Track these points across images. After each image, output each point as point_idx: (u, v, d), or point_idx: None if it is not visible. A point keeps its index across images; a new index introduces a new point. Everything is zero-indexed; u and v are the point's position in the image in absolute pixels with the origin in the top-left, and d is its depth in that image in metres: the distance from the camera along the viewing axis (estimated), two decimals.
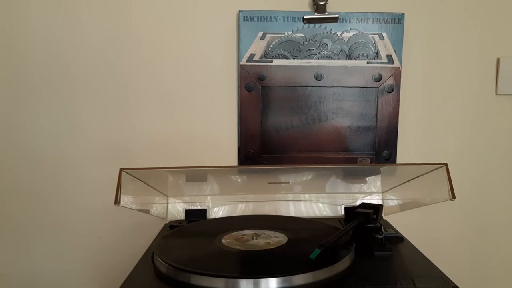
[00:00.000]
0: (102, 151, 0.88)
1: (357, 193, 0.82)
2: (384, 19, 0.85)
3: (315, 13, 0.84)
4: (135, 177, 0.64)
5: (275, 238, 0.64)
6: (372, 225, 0.65)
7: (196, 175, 0.78)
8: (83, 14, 0.85)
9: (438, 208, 0.91)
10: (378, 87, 0.87)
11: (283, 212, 0.82)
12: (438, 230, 0.93)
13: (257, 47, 0.85)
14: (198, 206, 0.80)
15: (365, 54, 0.86)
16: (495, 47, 0.89)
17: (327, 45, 0.85)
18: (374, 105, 0.87)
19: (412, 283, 0.51)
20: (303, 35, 0.85)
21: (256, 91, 0.86)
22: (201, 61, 0.87)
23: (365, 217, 0.65)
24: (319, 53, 0.86)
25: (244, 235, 0.66)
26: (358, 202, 0.79)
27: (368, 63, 0.86)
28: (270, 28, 0.84)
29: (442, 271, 0.55)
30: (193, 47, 0.86)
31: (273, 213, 0.82)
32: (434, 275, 0.54)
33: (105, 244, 0.90)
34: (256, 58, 0.85)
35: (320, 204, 0.83)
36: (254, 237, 0.64)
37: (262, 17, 0.84)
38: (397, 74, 0.86)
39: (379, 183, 0.80)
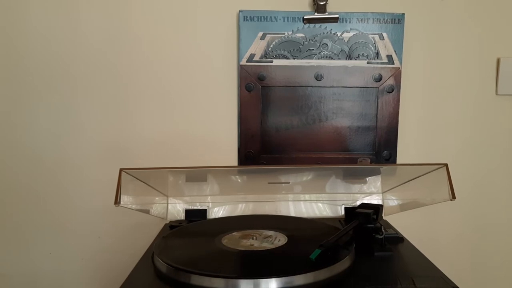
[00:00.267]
0: (102, 151, 0.88)
1: (357, 193, 0.82)
2: (384, 19, 0.85)
3: (315, 13, 0.84)
4: (135, 177, 0.64)
5: (275, 238, 0.64)
6: (372, 225, 0.65)
7: (196, 175, 0.78)
8: (83, 14, 0.85)
9: (438, 208, 0.91)
10: (378, 87, 0.87)
11: (283, 212, 0.82)
12: (438, 230, 0.93)
13: (257, 47, 0.85)
14: (198, 206, 0.80)
15: (365, 54, 0.86)
16: (495, 47, 0.89)
17: (327, 45, 0.85)
18: (374, 105, 0.87)
19: (412, 283, 0.51)
20: (303, 35, 0.85)
21: (256, 91, 0.86)
22: (201, 61, 0.87)
23: (365, 217, 0.65)
24: (319, 53, 0.85)
25: (244, 235, 0.66)
26: (358, 202, 0.79)
27: (368, 63, 0.86)
28: (270, 28, 0.84)
29: (443, 271, 0.55)
30: (193, 47, 0.86)
31: (273, 213, 0.82)
32: (434, 276, 0.54)
33: (105, 244, 0.90)
34: (256, 58, 0.85)
35: (320, 204, 0.83)
36: (254, 237, 0.64)
37: (262, 17, 0.84)
38: (397, 74, 0.86)
39: (379, 183, 0.80)
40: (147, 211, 0.75)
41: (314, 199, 0.83)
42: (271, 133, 0.87)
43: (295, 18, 0.84)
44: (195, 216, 0.79)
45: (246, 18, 0.84)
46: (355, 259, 0.58)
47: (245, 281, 0.49)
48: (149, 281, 0.54)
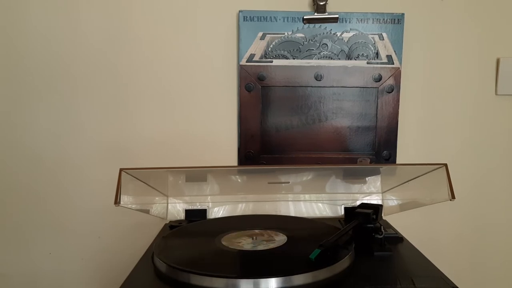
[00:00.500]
0: (102, 151, 0.88)
1: (357, 193, 0.82)
2: (384, 19, 0.85)
3: (315, 13, 0.84)
4: (135, 177, 0.64)
5: (275, 238, 0.64)
6: (372, 225, 0.65)
7: (196, 175, 0.78)
8: (83, 14, 0.85)
9: (438, 208, 0.91)
10: (378, 87, 0.87)
11: (283, 212, 0.82)
12: (438, 230, 0.93)
13: (257, 47, 0.85)
14: (198, 206, 0.80)
15: (365, 54, 0.86)
16: (495, 47, 0.89)
17: (327, 45, 0.85)
18: (374, 105, 0.87)
19: (411, 283, 0.52)
20: (303, 35, 0.85)
21: (256, 91, 0.86)
22: (201, 61, 0.87)
23: (365, 217, 0.65)
24: (319, 53, 0.86)
25: (244, 235, 0.66)
26: (358, 202, 0.79)
27: (368, 63, 0.86)
28: (270, 28, 0.84)
29: (442, 271, 0.55)
30: (193, 47, 0.86)
31: (273, 213, 0.82)
32: (434, 276, 0.54)
33: (105, 244, 0.90)
34: (256, 58, 0.85)
35: (320, 204, 0.83)
36: (254, 237, 0.64)
37: (262, 17, 0.84)
38: (397, 74, 0.86)
39: (379, 183, 0.80)
40: (147, 211, 0.75)
41: (314, 199, 0.83)
42: (271, 133, 0.87)
43: (295, 18, 0.84)
44: (195, 216, 0.79)
45: (246, 18, 0.84)
46: (354, 259, 0.58)
47: (244, 281, 0.50)
48: (149, 281, 0.54)
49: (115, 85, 0.87)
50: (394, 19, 0.85)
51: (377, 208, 0.67)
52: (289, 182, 0.80)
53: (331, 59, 0.86)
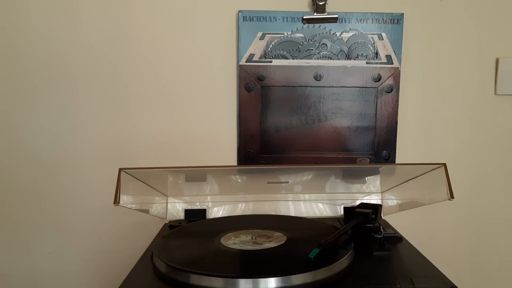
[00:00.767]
0: (102, 151, 0.88)
1: (356, 193, 0.82)
2: (383, 19, 0.85)
3: (315, 13, 0.84)
4: (134, 177, 0.64)
5: (274, 238, 0.64)
6: (371, 225, 0.65)
7: (195, 175, 0.78)
8: (83, 14, 0.85)
9: (437, 208, 0.91)
10: (377, 87, 0.87)
11: (283, 212, 0.82)
12: (437, 230, 0.93)
13: (256, 47, 0.85)
14: (197, 206, 0.80)
15: (364, 54, 0.86)
16: (495, 47, 0.89)
17: (326, 45, 0.85)
18: (373, 105, 0.87)
19: (411, 283, 0.52)
20: (302, 35, 0.85)
21: (256, 91, 0.86)
22: (201, 61, 0.87)
23: (364, 217, 0.65)
24: (318, 53, 0.86)
25: (243, 234, 0.66)
26: (358, 202, 0.79)
27: (367, 63, 0.86)
28: (269, 28, 0.84)
29: (441, 271, 0.55)
30: (193, 47, 0.87)
31: (273, 213, 0.82)
32: (433, 275, 0.54)
33: (105, 244, 0.90)
34: (255, 58, 0.85)
35: (320, 204, 0.83)
36: (253, 237, 0.64)
37: (261, 17, 0.84)
38: (396, 74, 0.87)
39: (378, 183, 0.81)
40: (146, 211, 0.75)
41: (313, 199, 0.83)
42: (271, 133, 0.87)
43: (294, 18, 0.84)
44: (195, 216, 0.79)
45: (246, 18, 0.84)
46: (354, 259, 0.58)
47: (244, 281, 0.50)
48: (148, 280, 0.54)
49: (115, 85, 0.87)
50: (394, 19, 0.85)
51: (377, 208, 0.68)
52: (288, 182, 0.80)
53: (331, 59, 0.86)
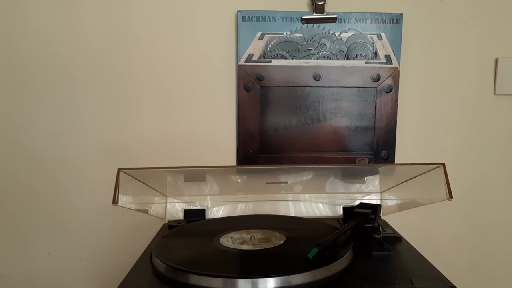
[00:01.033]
0: (102, 151, 0.88)
1: (355, 193, 0.82)
2: (382, 19, 0.85)
3: (314, 13, 0.84)
4: (133, 177, 0.64)
5: (273, 238, 0.64)
6: (370, 225, 0.65)
7: (194, 175, 0.78)
8: (83, 14, 0.85)
9: (436, 208, 0.91)
10: (376, 87, 0.87)
11: (283, 212, 0.82)
12: (436, 230, 0.93)
13: (255, 47, 0.85)
14: (197, 206, 0.80)
15: (363, 54, 0.86)
16: (494, 47, 0.89)
17: (325, 45, 0.85)
18: (373, 105, 0.87)
19: (410, 283, 0.52)
20: (301, 35, 0.85)
21: (255, 91, 0.86)
22: (200, 61, 0.87)
23: (363, 217, 0.65)
24: (317, 53, 0.86)
25: (242, 235, 0.66)
26: (357, 202, 0.79)
27: (366, 63, 0.86)
28: (268, 28, 0.84)
29: (441, 271, 0.55)
30: (192, 47, 0.87)
31: (273, 213, 0.82)
32: (432, 275, 0.54)
33: (105, 244, 0.91)
34: (254, 58, 0.85)
35: (319, 204, 0.83)
36: (252, 237, 0.64)
37: (260, 17, 0.84)
38: (395, 74, 0.87)
39: (377, 183, 0.81)
40: (145, 211, 0.75)
41: (313, 199, 0.83)
42: (270, 133, 0.87)
43: (293, 18, 0.85)
44: (194, 216, 0.79)
45: (245, 18, 0.84)
46: (353, 259, 0.58)
47: (243, 281, 0.50)
48: (147, 281, 0.54)
49: (115, 85, 0.87)
50: (393, 19, 0.85)
51: (376, 208, 0.67)
52: (288, 182, 0.80)
53: (330, 59, 0.86)
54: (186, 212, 0.79)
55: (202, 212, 0.80)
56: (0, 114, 0.87)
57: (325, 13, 0.84)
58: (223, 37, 0.86)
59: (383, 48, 0.86)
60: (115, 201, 0.57)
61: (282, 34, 0.85)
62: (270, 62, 0.85)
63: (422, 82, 0.89)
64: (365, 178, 0.80)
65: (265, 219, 0.77)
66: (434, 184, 0.61)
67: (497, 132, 0.91)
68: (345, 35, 0.85)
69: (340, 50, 0.86)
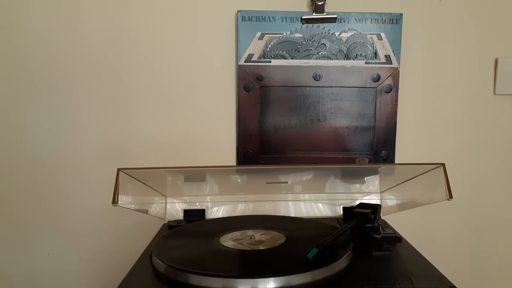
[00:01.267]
0: (102, 151, 0.88)
1: (355, 193, 0.82)
2: (382, 19, 0.85)
3: (314, 13, 0.84)
4: (133, 177, 0.64)
5: (273, 238, 0.64)
6: (370, 225, 0.65)
7: (194, 175, 0.78)
8: (83, 14, 0.85)
9: (436, 208, 0.91)
10: (376, 87, 0.87)
11: (283, 212, 0.82)
12: (436, 230, 0.93)
13: (255, 47, 0.85)
14: (197, 206, 0.80)
15: (363, 54, 0.86)
16: (494, 47, 0.89)
17: (325, 45, 0.85)
18: (373, 105, 0.87)
19: (410, 283, 0.52)
20: (301, 35, 0.85)
21: (255, 91, 0.86)
22: (200, 61, 0.87)
23: (363, 217, 0.65)
24: (317, 53, 0.86)
25: (242, 235, 0.66)
26: (357, 202, 0.79)
27: (366, 63, 0.86)
28: (268, 28, 0.84)
29: (440, 271, 0.55)
30: (192, 47, 0.87)
31: (273, 213, 0.82)
32: (432, 275, 0.54)
33: (105, 244, 0.91)
34: (254, 58, 0.85)
35: (319, 204, 0.83)
36: (252, 237, 0.64)
37: (260, 17, 0.84)
38: (395, 74, 0.87)
39: (377, 183, 0.81)
40: (145, 211, 0.75)
41: (313, 199, 0.83)
42: (270, 133, 0.87)
43: (293, 18, 0.85)
44: (194, 216, 0.79)
45: (245, 18, 0.84)
46: (353, 259, 0.58)
47: (243, 281, 0.50)
48: (147, 281, 0.54)
49: (115, 85, 0.87)
50: (393, 19, 0.85)
51: (376, 208, 0.67)
52: (287, 182, 0.80)
53: (330, 59, 0.86)
54: (186, 212, 0.79)
55: (202, 212, 0.80)
56: (0, 114, 0.87)
57: (325, 13, 0.84)
58: (223, 37, 0.86)
59: (383, 48, 0.86)
60: (115, 201, 0.57)
61: (282, 34, 0.85)
62: (270, 62, 0.85)
63: (422, 82, 0.89)
64: (365, 178, 0.80)
65: (265, 219, 0.77)
66: (434, 184, 0.61)
67: (497, 132, 0.91)
68: (345, 35, 0.85)
69: (340, 50, 0.86)
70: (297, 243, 0.62)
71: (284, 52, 0.85)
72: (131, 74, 0.87)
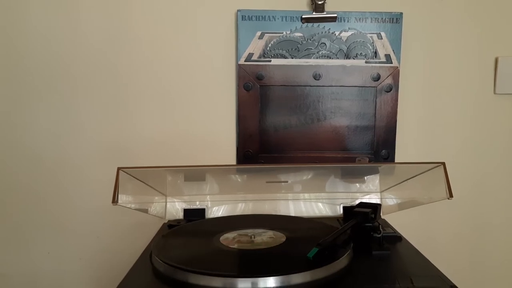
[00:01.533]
0: (102, 151, 0.88)
1: (355, 192, 0.82)
2: (382, 18, 0.85)
3: (314, 13, 0.84)
4: (133, 176, 0.64)
5: (273, 237, 0.64)
6: (370, 224, 0.65)
7: (194, 174, 0.78)
8: (83, 14, 0.85)
9: (436, 207, 0.91)
10: (376, 87, 0.87)
11: (283, 212, 0.82)
12: (436, 229, 0.93)
13: (255, 47, 0.85)
14: (197, 205, 0.80)
15: (363, 54, 0.86)
16: (494, 46, 0.89)
17: (325, 44, 0.85)
18: (373, 105, 0.87)
19: (410, 282, 0.51)
20: (301, 35, 0.85)
21: (255, 90, 0.86)
22: (200, 61, 0.87)
23: (363, 216, 0.65)
24: (317, 52, 0.86)
25: (242, 234, 0.66)
26: (357, 201, 0.79)
27: (366, 62, 0.86)
28: (268, 27, 0.84)
29: (441, 270, 0.55)
30: (192, 47, 0.87)
31: (273, 213, 0.82)
32: (432, 275, 0.54)
33: (104, 244, 0.91)
34: (254, 57, 0.85)
35: (319, 204, 0.83)
36: (252, 236, 0.64)
37: (260, 17, 0.84)
38: (395, 74, 0.87)
39: (377, 182, 0.80)
40: (145, 210, 0.75)
41: (313, 198, 0.83)
42: (270, 133, 0.87)
43: (293, 17, 0.84)
44: (194, 215, 0.79)
45: (245, 17, 0.84)
46: (353, 258, 0.58)
47: (243, 280, 0.50)
48: (147, 280, 0.54)
49: (115, 85, 0.87)
50: (393, 18, 0.85)
51: (376, 207, 0.67)
52: (287, 182, 0.80)
53: (330, 58, 0.86)
54: (186, 211, 0.79)
55: (202, 211, 0.80)
56: (0, 114, 0.87)
57: (325, 12, 0.84)
58: (223, 37, 0.86)
59: (383, 47, 0.86)
60: (115, 201, 0.57)
61: (282, 33, 0.85)
62: (270, 61, 0.85)
63: (422, 81, 0.89)
64: (365, 178, 0.80)
65: (265, 219, 0.77)
66: (434, 183, 0.61)
67: (497, 131, 0.91)
68: (345, 34, 0.85)
69: (340, 49, 0.86)
70: (297, 243, 0.62)
71: (284, 51, 0.85)
72: (131, 74, 0.87)
